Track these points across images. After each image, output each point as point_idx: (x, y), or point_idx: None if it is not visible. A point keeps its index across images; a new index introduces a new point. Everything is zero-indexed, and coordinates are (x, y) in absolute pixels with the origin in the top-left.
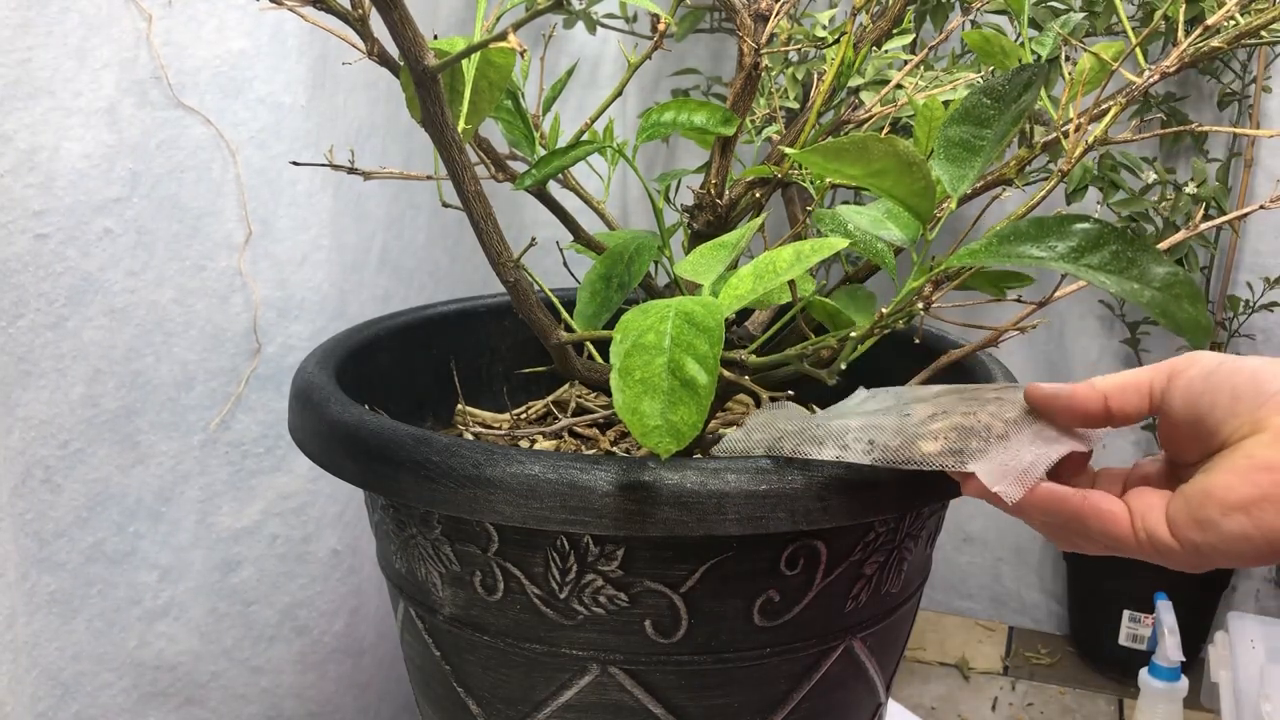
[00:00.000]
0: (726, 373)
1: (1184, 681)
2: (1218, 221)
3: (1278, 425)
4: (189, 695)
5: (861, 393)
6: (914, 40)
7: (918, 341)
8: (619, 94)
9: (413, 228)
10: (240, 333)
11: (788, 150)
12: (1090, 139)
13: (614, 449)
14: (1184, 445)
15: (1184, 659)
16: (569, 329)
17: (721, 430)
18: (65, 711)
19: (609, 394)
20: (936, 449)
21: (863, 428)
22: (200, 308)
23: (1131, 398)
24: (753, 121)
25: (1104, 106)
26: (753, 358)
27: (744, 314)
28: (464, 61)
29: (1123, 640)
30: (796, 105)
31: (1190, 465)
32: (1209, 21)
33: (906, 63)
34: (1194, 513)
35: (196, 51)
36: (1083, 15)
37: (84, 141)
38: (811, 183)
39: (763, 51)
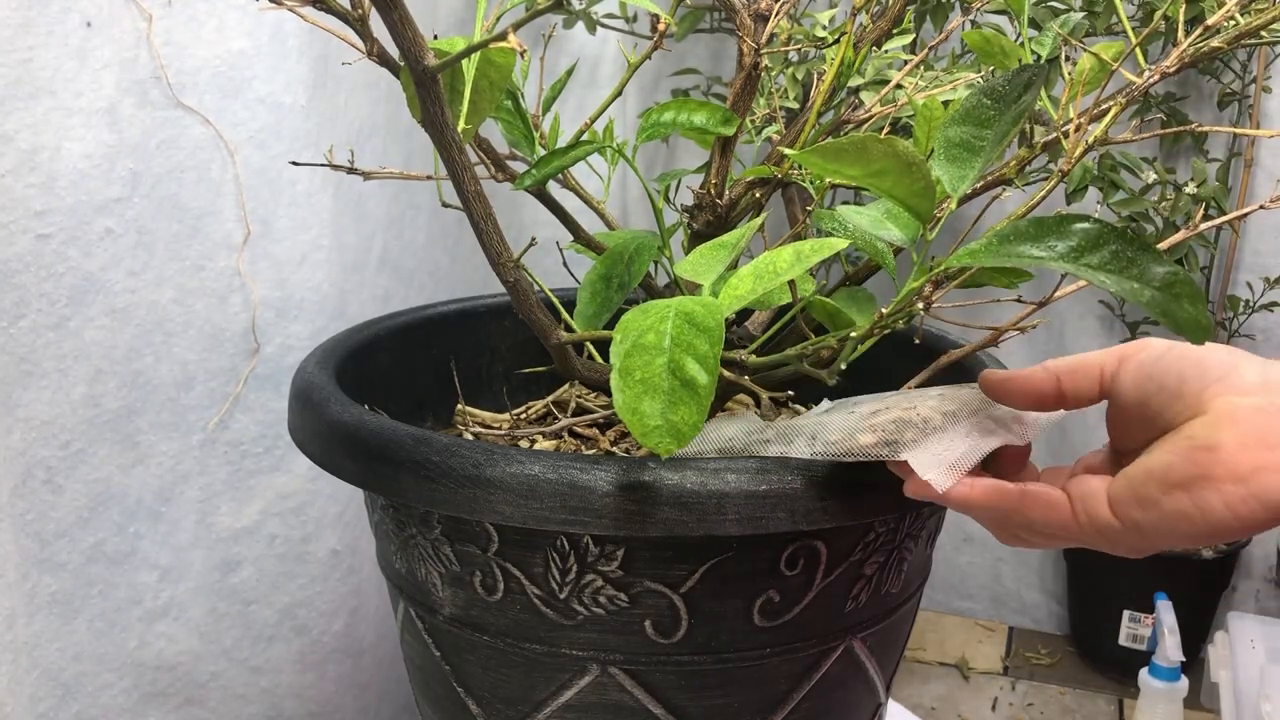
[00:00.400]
0: (726, 373)
1: (1184, 682)
2: (1218, 221)
3: (1219, 408)
4: (189, 695)
5: (825, 404)
6: (914, 40)
7: (918, 341)
8: (619, 94)
9: (413, 228)
10: (239, 333)
11: (787, 151)
12: (1090, 139)
13: (614, 449)
14: (1130, 430)
15: (1184, 659)
16: (569, 329)
17: None
18: (66, 712)
19: (609, 394)
20: (872, 440)
21: (809, 426)
22: (200, 308)
23: (1083, 380)
24: (753, 121)
25: (1104, 106)
26: (753, 358)
27: (744, 314)
28: (464, 61)
29: (1123, 640)
30: (796, 105)
31: (1134, 452)
32: (1209, 21)
33: (906, 63)
34: (1135, 490)
35: (196, 51)
36: (1082, 15)
37: (85, 141)
38: (811, 183)
39: (763, 51)
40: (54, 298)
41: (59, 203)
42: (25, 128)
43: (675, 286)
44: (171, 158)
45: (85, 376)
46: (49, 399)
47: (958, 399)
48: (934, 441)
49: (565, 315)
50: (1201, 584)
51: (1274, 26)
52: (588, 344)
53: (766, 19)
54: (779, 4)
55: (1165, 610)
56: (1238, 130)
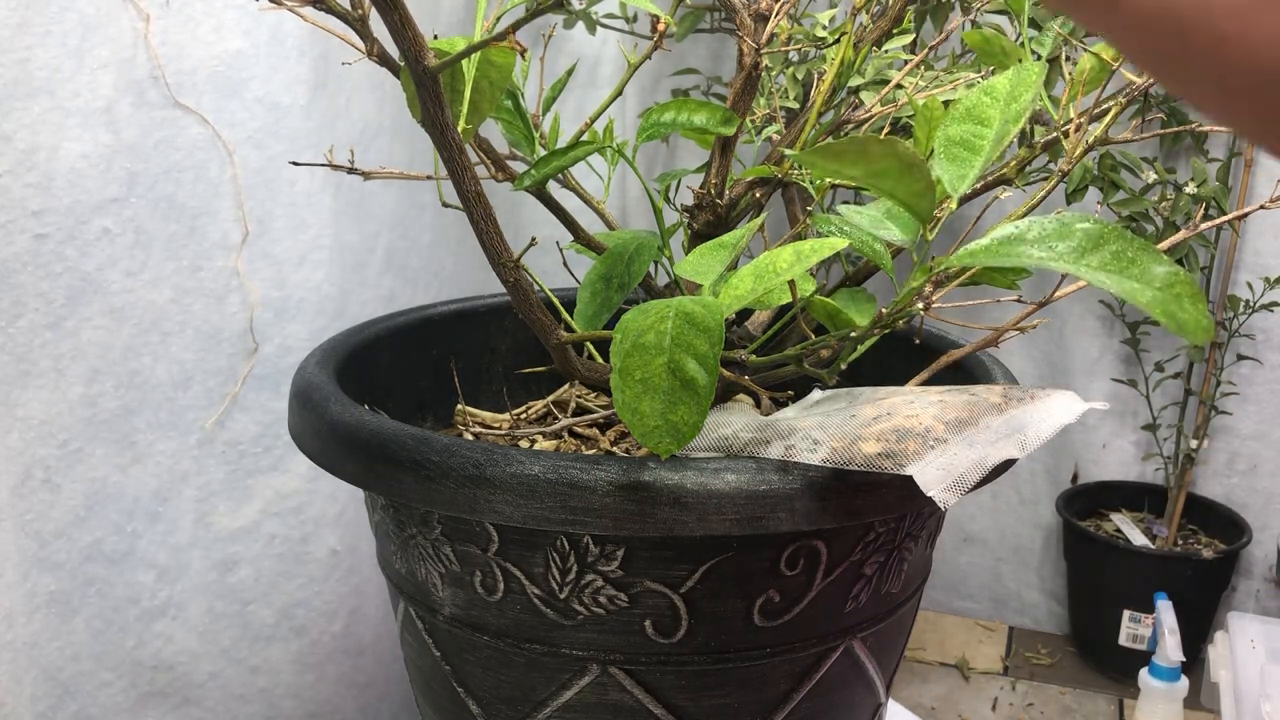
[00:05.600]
0: (726, 373)
1: (1184, 681)
2: (1218, 221)
3: None
4: (187, 695)
5: (816, 393)
6: (914, 40)
7: (918, 341)
8: (619, 94)
9: (418, 227)
10: (237, 333)
11: (788, 152)
12: (1090, 139)
13: (614, 449)
14: None
15: (1184, 659)
16: (569, 329)
17: None
18: (64, 711)
19: (609, 394)
20: (875, 451)
21: (810, 428)
22: (197, 308)
23: None
24: (753, 121)
25: (1104, 106)
26: (753, 358)
27: (744, 314)
28: (464, 62)
29: (1123, 640)
30: (797, 105)
31: None
32: None
33: (906, 63)
34: None
35: (194, 51)
36: None
37: (82, 141)
38: (811, 183)
39: (763, 51)
40: (51, 297)
41: (56, 202)
42: (23, 127)
43: (675, 286)
44: (169, 157)
45: (82, 376)
46: (46, 398)
47: (958, 405)
48: (937, 454)
49: (565, 315)
50: (1201, 584)
51: None
52: (588, 344)
53: (767, 19)
54: (779, 4)
55: (1165, 610)
56: None
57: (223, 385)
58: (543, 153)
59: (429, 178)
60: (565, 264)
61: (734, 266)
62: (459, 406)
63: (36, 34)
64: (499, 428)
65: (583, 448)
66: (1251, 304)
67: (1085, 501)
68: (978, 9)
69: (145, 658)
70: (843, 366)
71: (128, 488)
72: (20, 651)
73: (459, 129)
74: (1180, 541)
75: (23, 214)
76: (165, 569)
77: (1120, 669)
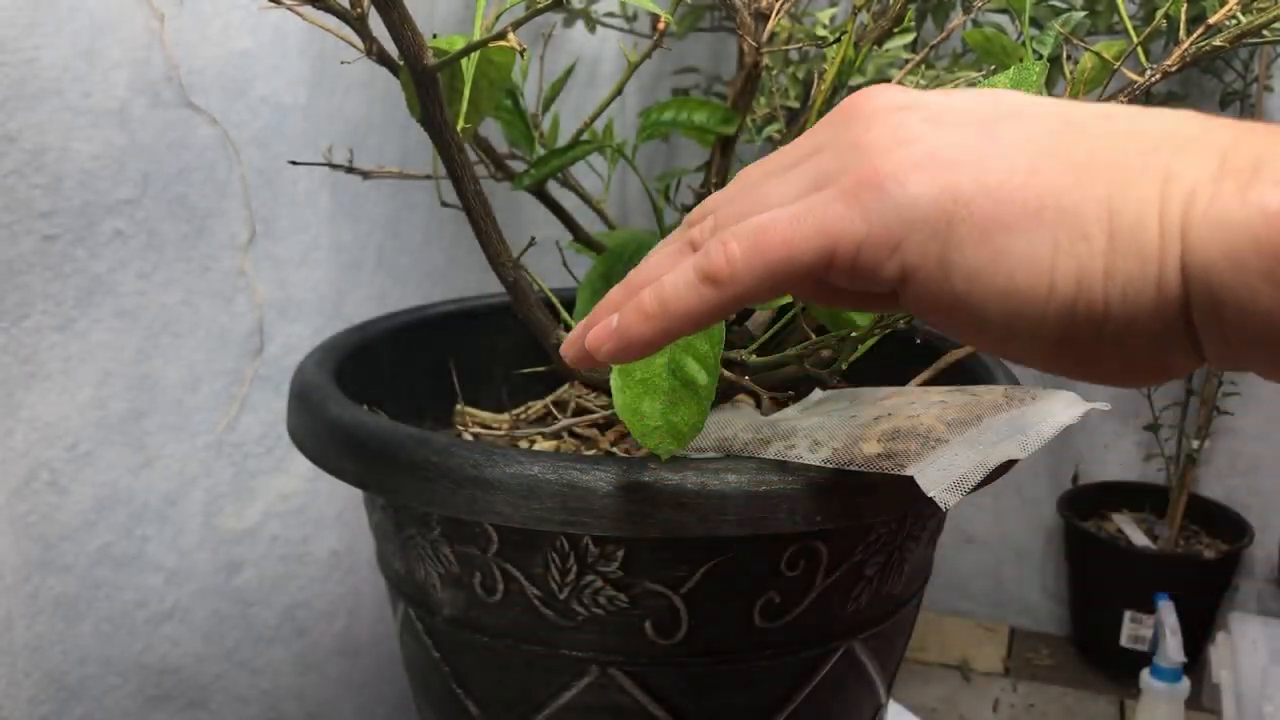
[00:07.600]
0: (727, 373)
1: (1185, 682)
2: None
3: None
4: (192, 698)
5: (817, 394)
6: (915, 39)
7: (919, 342)
8: (618, 93)
9: (410, 227)
10: (244, 334)
11: None
12: None
13: (614, 449)
14: None
15: (1185, 660)
16: (569, 329)
17: None
18: (70, 715)
19: (609, 394)
20: (876, 451)
21: (810, 428)
22: (206, 309)
23: None
24: (753, 120)
25: None
26: (753, 358)
27: (744, 314)
28: (463, 60)
29: (1124, 641)
30: (797, 104)
31: None
32: (1210, 20)
33: (907, 61)
34: None
35: (204, 51)
36: (1084, 14)
37: (93, 142)
38: None
39: (763, 50)
40: (60, 299)
41: (66, 203)
42: (29, 128)
43: None
44: (181, 158)
45: (93, 379)
46: (54, 400)
47: (959, 405)
48: (938, 455)
49: (565, 315)
50: (1203, 584)
51: (1275, 26)
52: None
53: (767, 18)
54: (779, 3)
55: (1167, 611)
56: None
57: (229, 387)
58: (542, 152)
59: (428, 177)
60: (565, 264)
61: None
62: (458, 407)
63: (45, 34)
64: (498, 428)
65: (582, 448)
66: None
67: (1087, 502)
68: (979, 8)
69: (153, 661)
70: (844, 367)
71: (137, 491)
72: (20, 655)
73: (458, 128)
74: (1182, 542)
75: (29, 215)
76: (173, 572)
77: (1122, 670)
